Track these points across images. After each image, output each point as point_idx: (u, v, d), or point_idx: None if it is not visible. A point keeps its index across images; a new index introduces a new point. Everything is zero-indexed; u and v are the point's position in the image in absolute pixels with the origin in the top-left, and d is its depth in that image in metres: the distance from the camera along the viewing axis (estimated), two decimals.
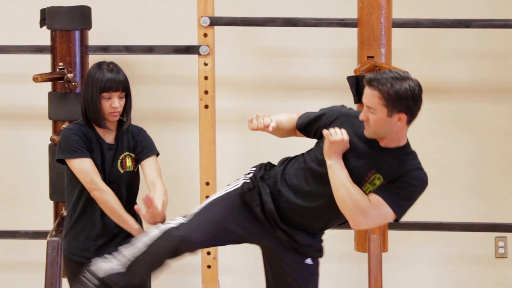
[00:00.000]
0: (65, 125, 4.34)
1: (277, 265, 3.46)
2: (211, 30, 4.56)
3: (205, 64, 4.51)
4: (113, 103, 3.57)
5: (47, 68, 4.52)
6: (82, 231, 3.68)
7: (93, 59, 4.64)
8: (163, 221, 3.43)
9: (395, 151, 3.24)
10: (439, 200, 5.16)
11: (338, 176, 3.20)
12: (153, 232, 3.36)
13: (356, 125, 3.28)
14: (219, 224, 3.38)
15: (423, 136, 5.15)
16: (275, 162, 3.51)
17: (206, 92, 4.53)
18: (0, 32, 5.16)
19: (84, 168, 3.56)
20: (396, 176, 3.21)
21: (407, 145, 3.28)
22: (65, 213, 4.38)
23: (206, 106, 4.55)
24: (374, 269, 4.17)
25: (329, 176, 3.22)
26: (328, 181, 3.24)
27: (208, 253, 4.55)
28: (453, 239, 5.18)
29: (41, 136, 4.94)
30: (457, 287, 5.30)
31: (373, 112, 3.14)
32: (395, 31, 4.53)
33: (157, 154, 3.78)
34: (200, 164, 4.65)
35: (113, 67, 3.63)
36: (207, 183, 4.55)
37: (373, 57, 4.39)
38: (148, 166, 3.69)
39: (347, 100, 4.67)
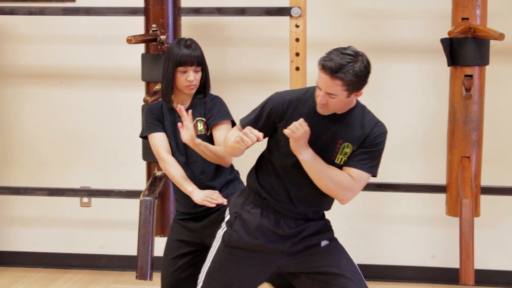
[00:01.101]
0: (158, 86, 4.41)
1: (300, 270, 3.45)
2: None
3: (297, 26, 4.49)
4: (188, 77, 3.71)
5: (141, 30, 4.57)
6: (183, 195, 3.76)
7: (186, 20, 4.68)
8: (191, 140, 3.53)
9: (350, 113, 3.32)
10: None
11: (315, 167, 3.26)
12: None
13: (308, 104, 3.33)
14: None
15: None
16: None
17: (297, 54, 4.52)
18: None
19: (152, 142, 3.78)
20: (362, 137, 3.30)
21: (357, 102, 3.36)
22: (157, 173, 4.47)
23: (297, 68, 4.53)
24: (465, 233, 4.12)
25: (306, 170, 3.27)
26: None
27: None
28: None
29: (134, 97, 5.02)
30: None
31: (334, 97, 3.19)
32: None
33: (232, 122, 3.84)
34: None
35: (190, 43, 3.76)
36: None
37: (467, 18, 4.30)
38: (217, 131, 3.78)
39: (439, 63, 4.60)
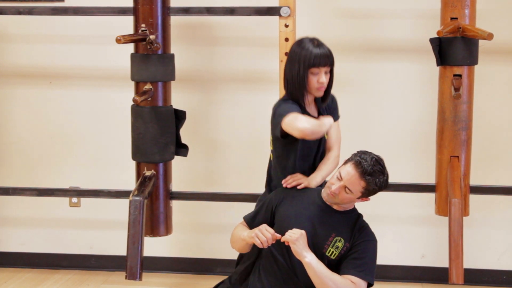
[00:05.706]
0: (147, 86, 4.40)
1: None
2: None
3: (286, 26, 4.49)
4: (320, 78, 3.62)
5: (130, 30, 4.56)
6: None
7: (175, 20, 4.67)
8: None
9: (347, 213, 3.56)
10: None
11: (319, 271, 3.39)
12: None
13: (305, 193, 3.59)
14: None
15: (508, 98, 5.07)
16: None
17: (286, 54, 4.50)
18: None
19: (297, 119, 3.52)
20: (352, 234, 3.50)
21: (354, 207, 3.63)
22: (147, 173, 4.45)
23: None
24: (454, 233, 4.13)
25: (310, 273, 3.40)
26: None
27: None
28: None
29: (123, 97, 5.01)
30: None
31: (348, 193, 3.42)
32: None
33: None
34: None
35: (318, 43, 3.66)
36: None
37: (456, 18, 4.31)
38: (331, 131, 3.83)
39: (428, 62, 4.62)
